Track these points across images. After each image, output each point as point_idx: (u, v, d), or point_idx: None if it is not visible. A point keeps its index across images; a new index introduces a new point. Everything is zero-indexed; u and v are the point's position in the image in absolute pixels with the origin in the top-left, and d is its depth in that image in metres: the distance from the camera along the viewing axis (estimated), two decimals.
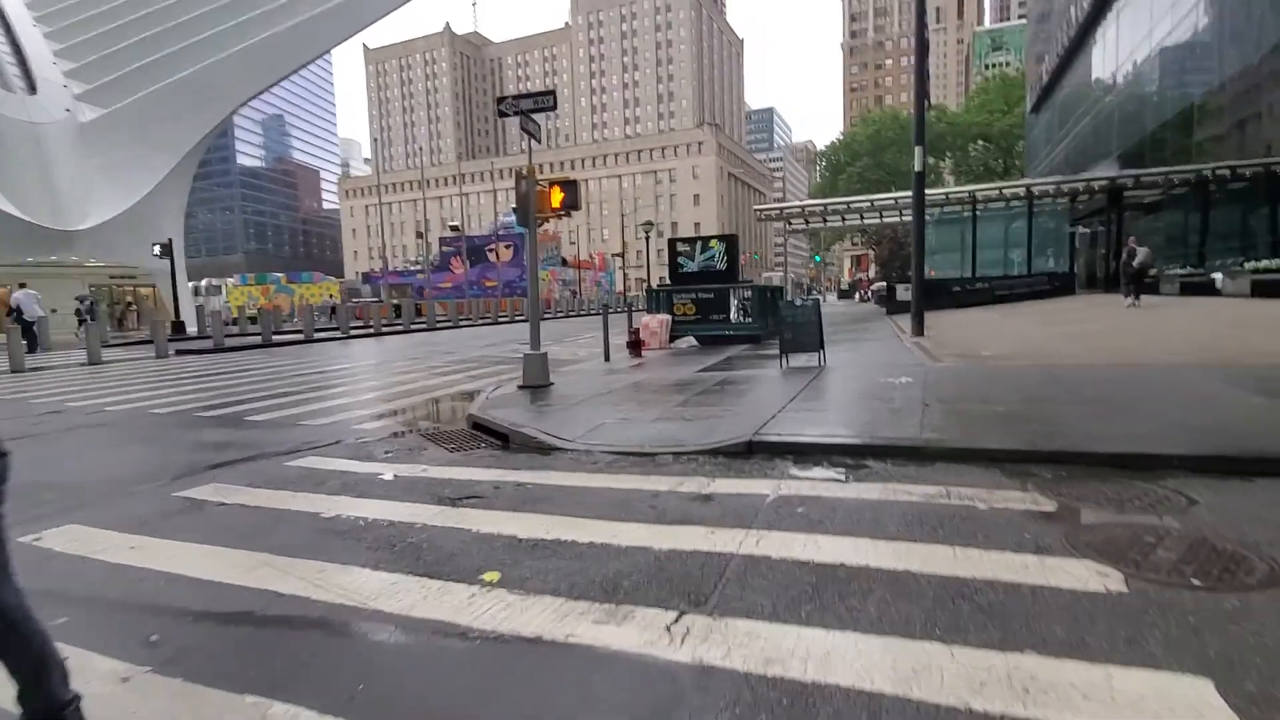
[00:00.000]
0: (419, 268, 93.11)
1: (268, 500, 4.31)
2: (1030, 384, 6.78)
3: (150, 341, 19.67)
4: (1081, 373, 7.33)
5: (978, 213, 25.24)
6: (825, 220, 31.27)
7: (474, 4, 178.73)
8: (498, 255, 74.73)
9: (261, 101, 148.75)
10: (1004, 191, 25.50)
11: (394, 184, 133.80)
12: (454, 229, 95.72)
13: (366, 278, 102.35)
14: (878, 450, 4.65)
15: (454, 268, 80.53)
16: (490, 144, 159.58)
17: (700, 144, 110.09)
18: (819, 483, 4.09)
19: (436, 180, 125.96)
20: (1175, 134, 19.21)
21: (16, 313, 17.48)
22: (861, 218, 30.97)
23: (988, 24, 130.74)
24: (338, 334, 21.94)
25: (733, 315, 14.27)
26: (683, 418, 6.20)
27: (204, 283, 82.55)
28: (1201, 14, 17.63)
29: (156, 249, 21.63)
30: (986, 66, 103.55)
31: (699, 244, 14.91)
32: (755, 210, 30.42)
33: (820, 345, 8.87)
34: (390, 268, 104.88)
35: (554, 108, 8.60)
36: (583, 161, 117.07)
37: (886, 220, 31.13)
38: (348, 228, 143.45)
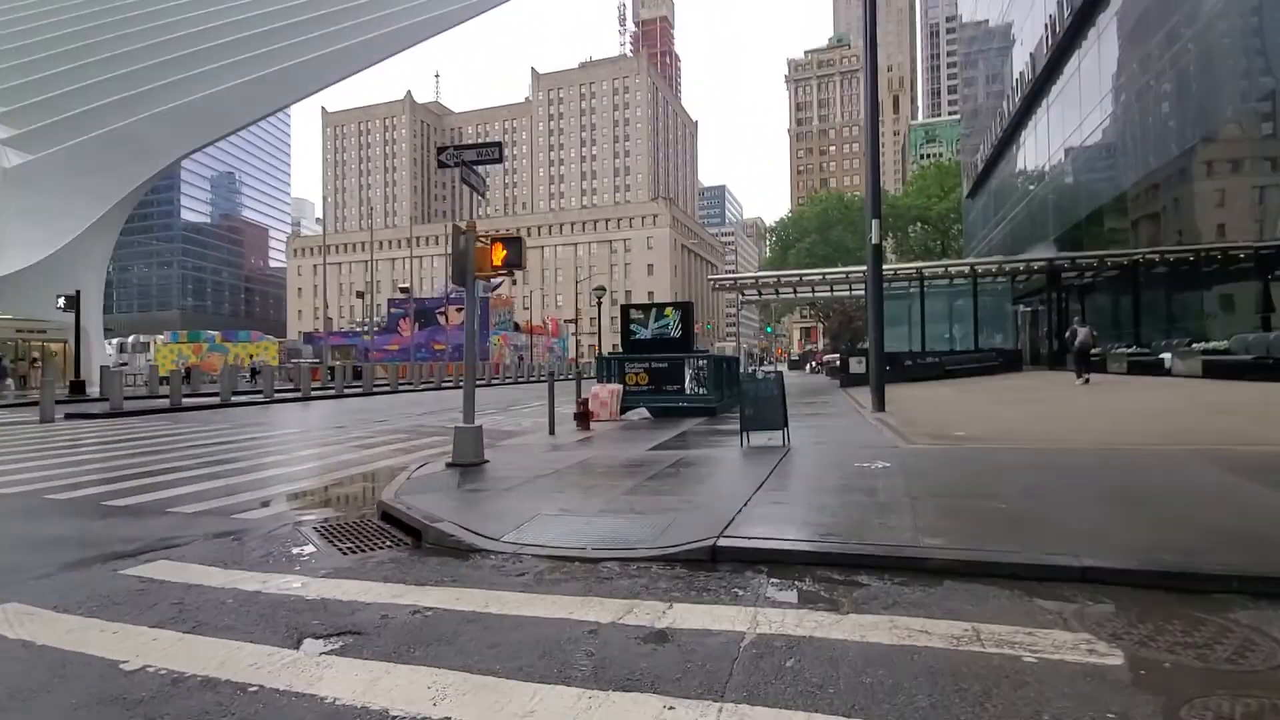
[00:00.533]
0: (364, 329, 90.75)
1: (62, 636, 3.12)
2: (1021, 472, 6.11)
3: (69, 400, 17.70)
4: (1070, 458, 6.74)
5: (925, 289, 25.71)
6: (778, 292, 31.47)
7: (436, 75, 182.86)
8: (448, 318, 73.38)
9: (212, 157, 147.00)
10: (949, 269, 26.14)
11: (345, 244, 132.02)
12: (403, 290, 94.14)
13: (309, 338, 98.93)
14: (872, 562, 3.78)
15: (402, 330, 78.59)
16: (447, 209, 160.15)
17: (655, 216, 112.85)
18: (807, 613, 3.17)
19: (389, 242, 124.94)
20: (1110, 218, 20.02)
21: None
22: (813, 290, 31.30)
23: (921, 119, 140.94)
24: (260, 398, 20.24)
25: (688, 386, 13.53)
26: (633, 509, 5.24)
27: (130, 339, 78.18)
28: (1125, 113, 18.71)
29: (61, 301, 19.79)
30: (922, 156, 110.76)
31: (653, 311, 14.29)
32: (709, 280, 30.45)
33: (784, 423, 8.11)
34: (336, 328, 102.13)
35: (499, 160, 7.91)
36: (539, 229, 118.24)
37: (837, 294, 31.54)
38: (294, 287, 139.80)
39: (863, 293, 29.78)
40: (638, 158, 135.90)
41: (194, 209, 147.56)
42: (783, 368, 76.22)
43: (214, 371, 47.33)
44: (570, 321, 69.35)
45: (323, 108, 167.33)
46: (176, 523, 5.54)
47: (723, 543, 4.09)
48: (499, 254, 7.77)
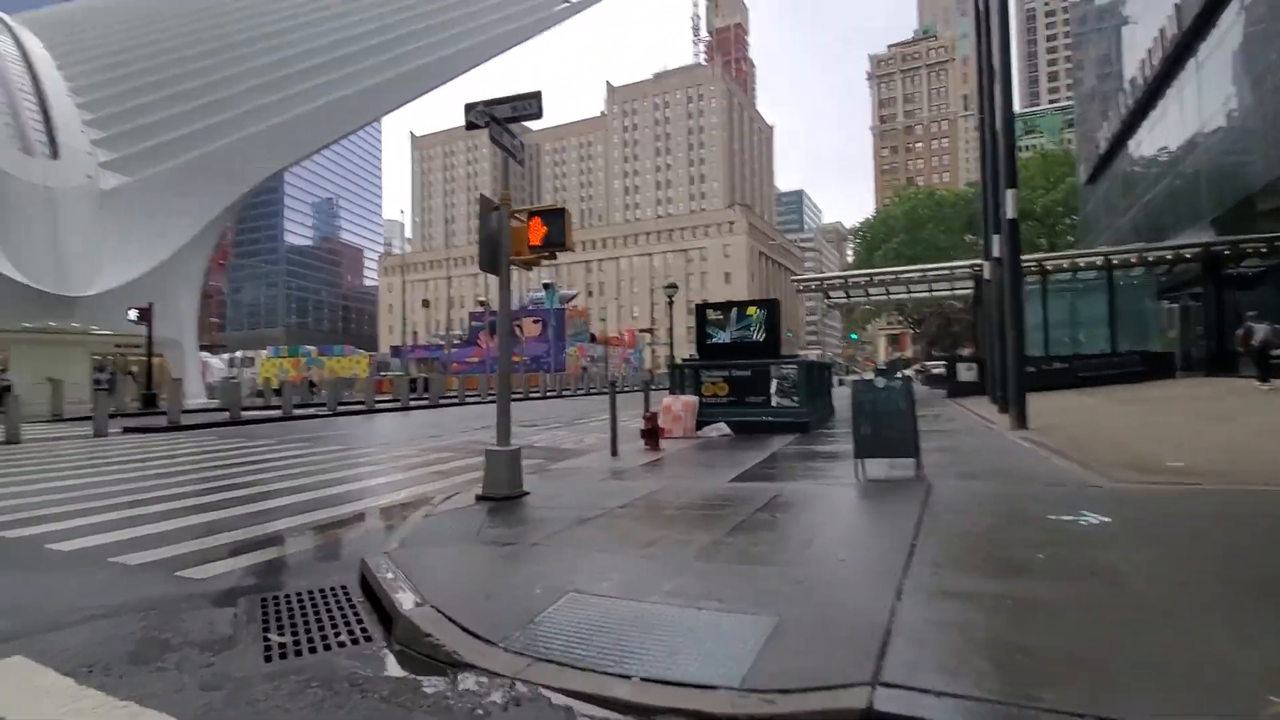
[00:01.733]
0: (446, 342, 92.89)
1: None
2: None
3: (140, 414, 17.69)
4: None
5: (1047, 284, 22.40)
6: (868, 292, 28.69)
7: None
8: (523, 330, 73.72)
9: (312, 184, 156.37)
10: (1077, 261, 22.71)
11: (430, 261, 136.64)
12: (482, 304, 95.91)
13: (395, 351, 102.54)
14: None
15: (481, 342, 79.79)
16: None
17: (731, 223, 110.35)
18: None
19: (471, 258, 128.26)
20: None
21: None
22: (909, 290, 28.35)
23: (1017, 109, 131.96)
24: (325, 411, 19.69)
25: (774, 398, 11.50)
26: (710, 592, 3.36)
27: (239, 354, 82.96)
28: None
29: (133, 314, 20.02)
30: (1022, 149, 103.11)
31: (733, 311, 12.35)
32: (793, 281, 28.12)
33: (916, 449, 6.02)
34: (421, 342, 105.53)
35: (538, 113, 6.29)
36: (614, 240, 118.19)
37: (937, 293, 28.44)
38: (384, 303, 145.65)
39: (969, 291, 26.62)
40: (713, 165, 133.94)
41: (296, 233, 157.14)
42: (869, 377, 71.97)
43: (306, 382, 49.38)
44: (646, 331, 67.97)
45: (411, 133, 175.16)
46: (80, 587, 4.13)
47: (886, 704, 2.15)
48: (537, 231, 6.13)
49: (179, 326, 34.46)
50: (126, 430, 14.26)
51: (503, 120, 6.32)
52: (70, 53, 41.41)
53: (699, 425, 11.48)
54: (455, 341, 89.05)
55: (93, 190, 32.66)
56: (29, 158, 31.77)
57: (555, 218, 6.08)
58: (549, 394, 35.07)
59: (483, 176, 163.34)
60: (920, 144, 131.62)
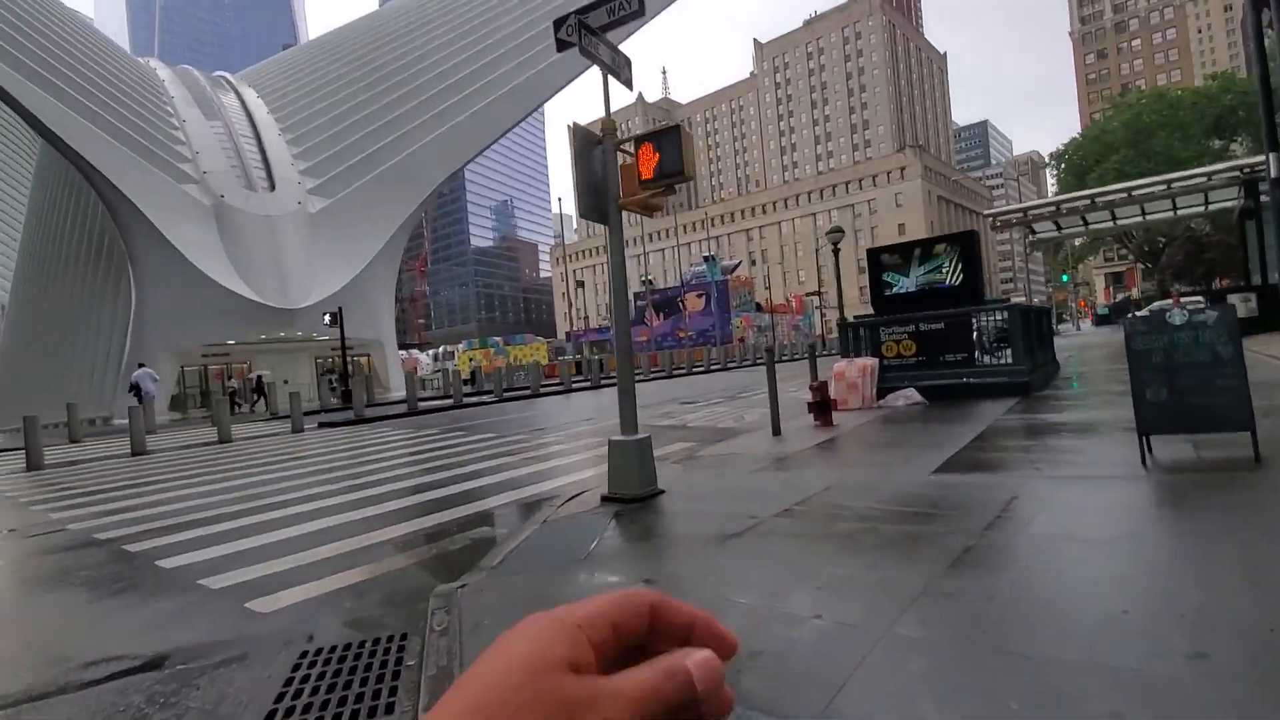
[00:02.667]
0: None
1: None
2: None
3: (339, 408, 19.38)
4: None
5: None
6: (1086, 220, 23.74)
7: (664, 72, 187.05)
8: (686, 305, 73.15)
9: (489, 189, 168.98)
10: None
11: (594, 248, 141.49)
12: (645, 283, 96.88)
13: (569, 336, 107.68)
14: None
15: (647, 321, 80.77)
16: (683, 200, 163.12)
17: (903, 169, 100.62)
18: None
19: (633, 239, 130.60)
20: None
21: (135, 390, 18.12)
22: (1143, 211, 22.99)
23: None
24: (491, 398, 20.19)
25: (980, 354, 9.20)
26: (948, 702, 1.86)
27: (441, 349, 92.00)
28: None
29: (326, 318, 21.96)
30: None
31: (916, 252, 10.09)
32: (986, 215, 24.08)
33: (1250, 418, 3.83)
34: (591, 326, 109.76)
35: (640, 10, 4.91)
36: (774, 204, 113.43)
37: (1185, 211, 22.74)
38: (559, 292, 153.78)
39: (1233, 203, 20.82)
40: (877, 108, 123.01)
41: (480, 235, 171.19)
42: (1085, 324, 61.55)
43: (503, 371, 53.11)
44: (813, 295, 64.17)
45: (569, 125, 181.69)
46: (171, 612, 3.57)
47: None
48: (648, 161, 4.79)
49: (379, 328, 38.15)
50: (322, 425, 15.35)
51: (598, 29, 5.04)
52: (276, 97, 47.33)
53: (880, 393, 9.52)
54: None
55: (303, 215, 36.98)
56: (252, 193, 36.68)
57: (669, 140, 4.70)
58: (713, 367, 33.83)
59: None
60: (1137, 41, 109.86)
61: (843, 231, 10.91)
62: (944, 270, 9.62)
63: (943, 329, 9.37)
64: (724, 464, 6.24)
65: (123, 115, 34.53)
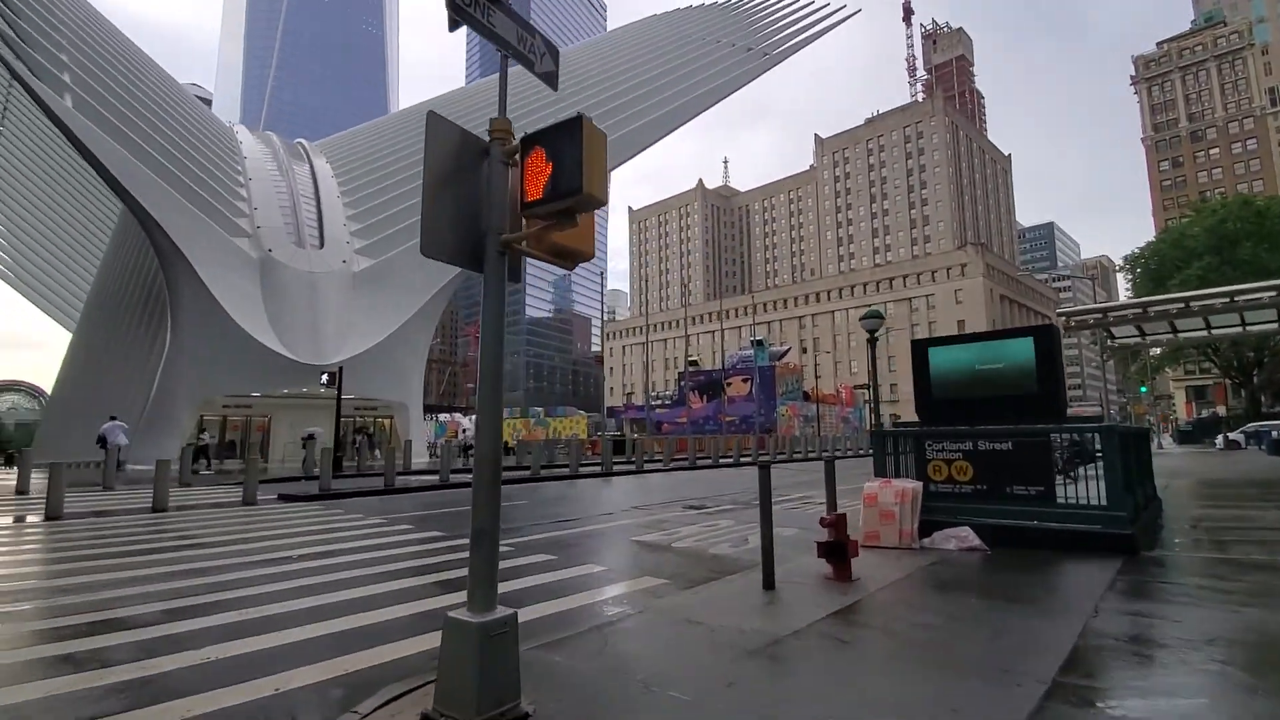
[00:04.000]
0: (659, 402, 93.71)
1: None
2: None
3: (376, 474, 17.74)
4: None
5: None
6: (1175, 328, 20.97)
7: (725, 161, 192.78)
8: (724, 390, 71.00)
9: (554, 266, 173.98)
10: None
11: (646, 325, 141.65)
12: (691, 364, 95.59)
13: (611, 412, 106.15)
14: None
15: (691, 403, 78.75)
16: (736, 284, 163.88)
17: (963, 265, 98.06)
18: None
19: (681, 321, 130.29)
20: None
21: (101, 441, 17.37)
22: (1243, 321, 20.13)
23: None
24: (527, 474, 18.34)
25: (1063, 488, 6.88)
26: None
27: (472, 418, 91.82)
28: None
29: (325, 377, 20.90)
30: None
31: (975, 349, 7.97)
32: (1059, 314, 21.59)
33: None
34: (637, 403, 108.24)
35: None
36: (829, 293, 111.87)
37: None
38: (607, 367, 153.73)
39: None
40: (937, 205, 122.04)
41: (536, 306, 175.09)
42: (1166, 439, 56.21)
43: (535, 442, 51.60)
44: (862, 388, 61.20)
45: (629, 207, 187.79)
46: None
47: None
48: (538, 175, 3.02)
49: (406, 391, 37.30)
50: (283, 497, 13.68)
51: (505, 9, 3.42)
52: (343, 163, 49.30)
53: (924, 528, 7.21)
54: (666, 402, 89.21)
55: (346, 273, 37.20)
56: (300, 249, 37.23)
57: (567, 140, 2.92)
58: (743, 460, 31.21)
59: (695, 241, 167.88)
60: (1215, 150, 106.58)
61: (881, 317, 8.85)
62: (1012, 373, 7.43)
63: (1011, 450, 7.11)
64: (671, 643, 4.11)
65: (189, 169, 35.90)
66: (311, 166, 48.46)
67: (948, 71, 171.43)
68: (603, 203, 2.92)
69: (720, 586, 5.58)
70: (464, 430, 79.87)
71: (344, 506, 12.56)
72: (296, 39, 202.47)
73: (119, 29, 48.82)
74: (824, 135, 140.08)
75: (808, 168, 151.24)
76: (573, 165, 2.88)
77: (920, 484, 7.50)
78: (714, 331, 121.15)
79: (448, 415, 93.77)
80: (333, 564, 7.05)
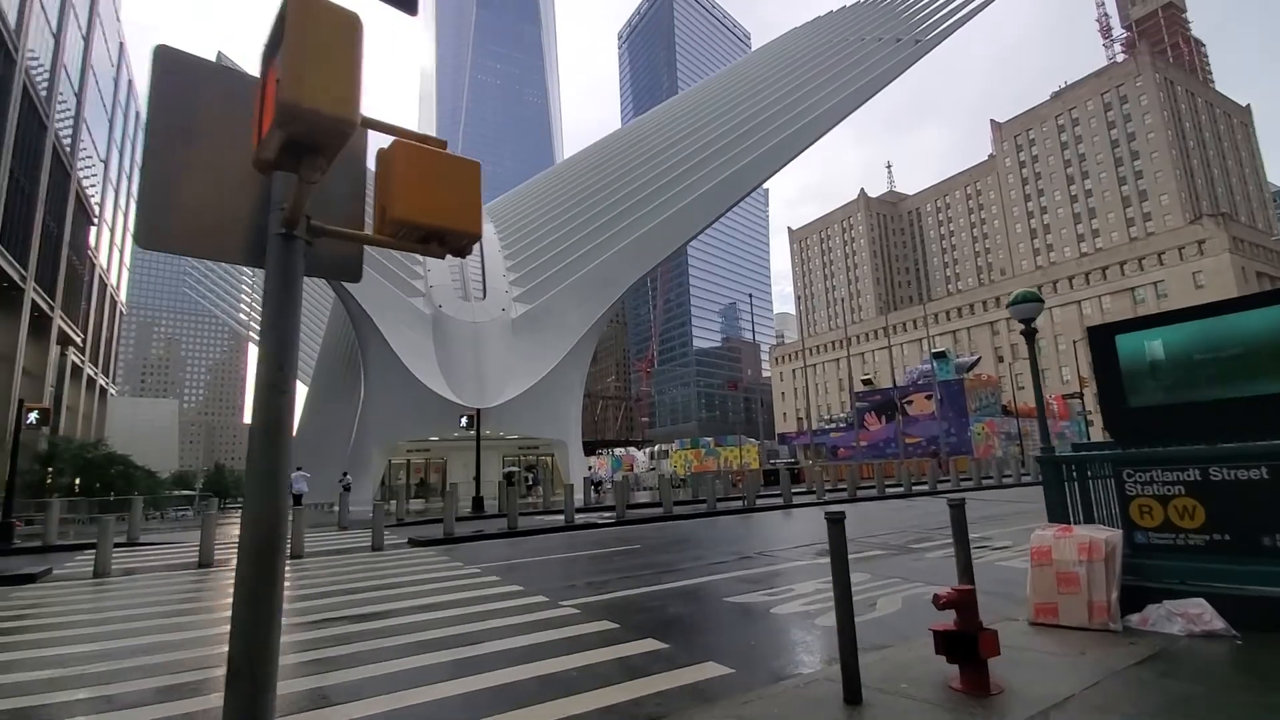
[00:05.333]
0: (833, 426, 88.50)
1: None
2: None
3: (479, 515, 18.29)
4: None
5: None
6: None
7: (888, 166, 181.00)
8: (902, 410, 64.90)
9: (714, 293, 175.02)
10: None
11: (815, 346, 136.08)
12: (865, 383, 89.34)
13: (783, 438, 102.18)
14: None
15: (868, 424, 73.32)
16: (912, 294, 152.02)
17: (1201, 243, 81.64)
18: None
19: (856, 337, 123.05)
20: None
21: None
22: None
23: None
24: (703, 509, 17.34)
25: None
26: None
27: (656, 448, 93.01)
28: None
29: (464, 420, 21.50)
30: None
31: (1196, 328, 5.48)
32: None
33: None
34: (812, 427, 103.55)
35: None
36: None
37: None
38: (778, 392, 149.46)
39: None
40: (1156, 176, 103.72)
41: (703, 338, 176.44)
42: None
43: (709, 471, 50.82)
44: (1074, 396, 52.59)
45: (789, 228, 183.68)
46: None
47: None
48: (271, 93, 1.92)
49: (564, 429, 38.19)
50: (413, 543, 13.81)
51: None
52: (504, 219, 53.12)
53: (1130, 598, 4.91)
54: (839, 425, 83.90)
55: (505, 320, 39.42)
56: (464, 302, 40.15)
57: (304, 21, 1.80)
58: (940, 486, 27.20)
59: (861, 254, 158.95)
60: None
61: (1039, 300, 6.37)
62: (1263, 360, 4.92)
63: (1266, 480, 4.63)
64: None
65: None
66: None
67: (1153, 24, 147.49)
68: (351, 127, 1.76)
69: (783, 695, 3.95)
70: (638, 463, 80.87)
71: (468, 549, 12.32)
72: (476, 121, 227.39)
73: None
74: (1001, 120, 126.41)
75: (985, 158, 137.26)
76: (325, 67, 1.76)
77: (1119, 533, 5.19)
78: (890, 347, 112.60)
79: (623, 450, 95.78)
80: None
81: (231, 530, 18.61)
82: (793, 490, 23.45)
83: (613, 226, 43.65)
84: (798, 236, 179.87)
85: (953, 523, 4.62)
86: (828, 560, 3.62)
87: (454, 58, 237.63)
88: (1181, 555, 5.00)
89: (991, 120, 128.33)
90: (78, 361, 52.92)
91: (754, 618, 6.28)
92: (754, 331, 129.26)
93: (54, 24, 42.05)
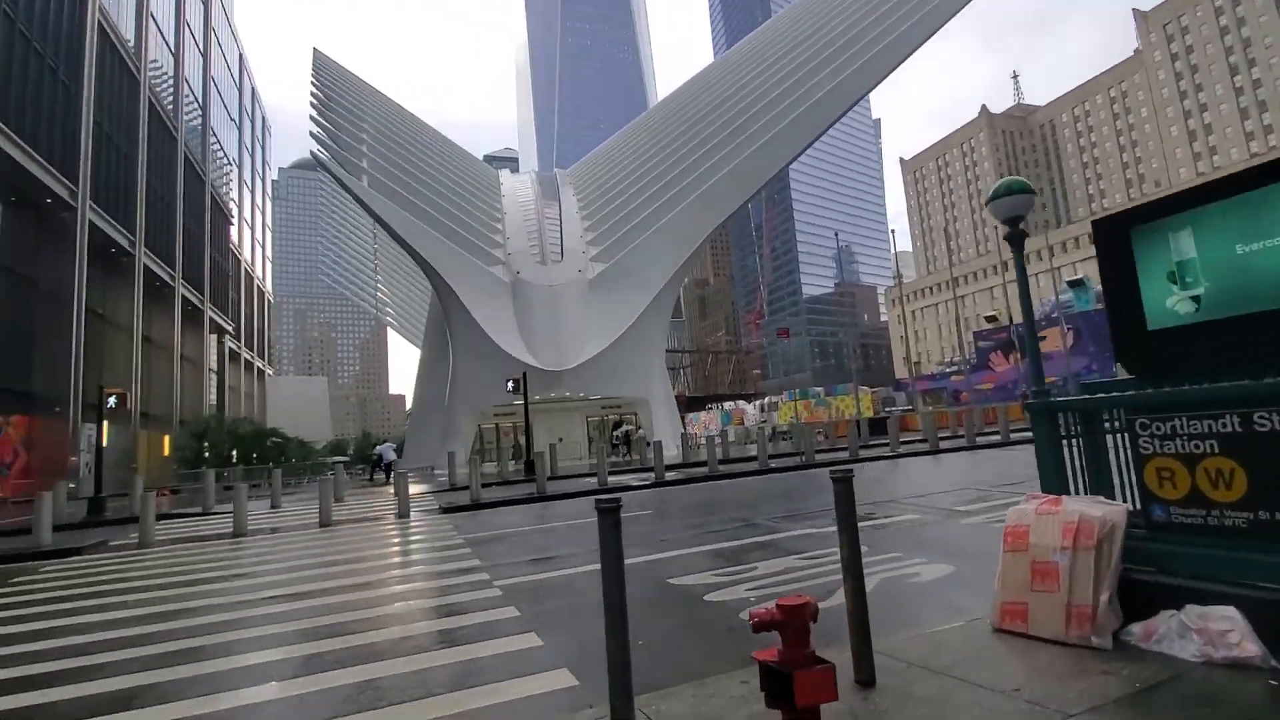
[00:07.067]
0: (954, 368, 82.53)
1: None
2: None
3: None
4: None
5: None
6: None
7: (1014, 76, 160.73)
8: (1045, 344, 58.47)
9: (825, 238, 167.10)
10: None
11: (934, 285, 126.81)
12: (989, 319, 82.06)
13: (898, 385, 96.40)
14: None
15: (993, 364, 67.45)
16: (1048, 218, 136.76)
17: None
18: None
19: (981, 272, 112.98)
20: None
21: (379, 461, 19.15)
22: None
23: None
24: (801, 460, 16.41)
25: None
26: None
27: (765, 400, 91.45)
28: None
29: (510, 385, 21.29)
30: None
31: (1238, 204, 3.71)
32: None
33: None
34: (927, 371, 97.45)
35: None
36: None
37: None
38: (895, 335, 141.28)
39: None
40: None
41: (813, 284, 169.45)
42: None
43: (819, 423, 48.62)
44: None
45: (900, 158, 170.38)
46: None
47: None
48: None
49: (645, 386, 37.68)
50: (445, 510, 13.77)
51: None
52: (581, 182, 52.63)
53: (1139, 599, 3.45)
54: (960, 368, 77.85)
55: (582, 281, 39.17)
56: (542, 266, 40.26)
57: None
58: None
59: (986, 179, 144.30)
60: None
61: (1028, 191, 4.48)
62: None
63: None
64: None
65: (456, 217, 41.24)
66: (558, 190, 52.60)
67: None
68: None
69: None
70: (748, 417, 79.20)
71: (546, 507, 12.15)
72: (570, 86, 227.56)
73: (414, 114, 58.79)
74: (1145, 8, 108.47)
75: (1131, 53, 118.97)
76: None
77: (1122, 509, 3.68)
78: (1030, 275, 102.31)
79: (732, 404, 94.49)
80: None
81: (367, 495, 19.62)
82: (901, 439, 21.24)
83: (689, 174, 41.79)
84: (911, 166, 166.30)
85: (836, 499, 3.35)
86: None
87: (544, 26, 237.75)
88: (1212, 539, 3.44)
89: (1134, 10, 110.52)
90: (234, 348, 59.14)
91: (689, 605, 5.28)
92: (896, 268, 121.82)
93: (171, 43, 45.73)
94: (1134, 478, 3.84)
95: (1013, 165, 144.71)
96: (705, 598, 5.42)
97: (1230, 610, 3.15)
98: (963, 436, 21.78)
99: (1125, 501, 3.87)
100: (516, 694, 3.74)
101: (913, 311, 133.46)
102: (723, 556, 7.06)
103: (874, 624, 4.23)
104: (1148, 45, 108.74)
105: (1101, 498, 3.91)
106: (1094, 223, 4.17)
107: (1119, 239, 4.01)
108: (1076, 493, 4.14)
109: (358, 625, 5.41)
